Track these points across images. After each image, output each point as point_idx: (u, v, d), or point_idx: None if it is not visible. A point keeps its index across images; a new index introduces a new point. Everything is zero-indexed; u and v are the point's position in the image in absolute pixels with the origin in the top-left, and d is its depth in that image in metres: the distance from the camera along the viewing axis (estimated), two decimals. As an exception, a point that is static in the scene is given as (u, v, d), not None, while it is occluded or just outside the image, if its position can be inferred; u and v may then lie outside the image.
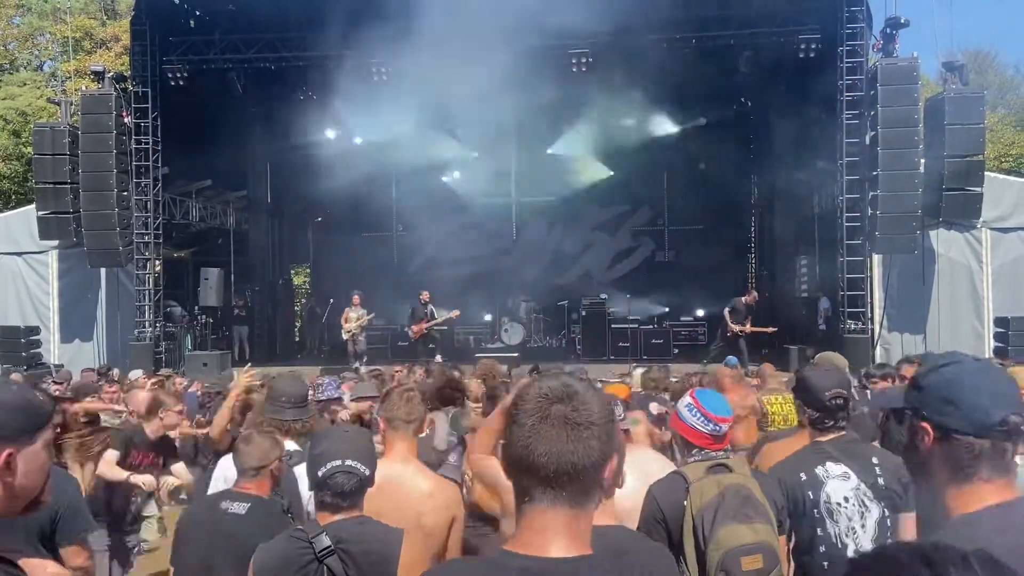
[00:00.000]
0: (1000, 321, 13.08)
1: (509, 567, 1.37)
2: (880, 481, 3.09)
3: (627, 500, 2.53)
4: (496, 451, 3.17)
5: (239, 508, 3.09)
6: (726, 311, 15.03)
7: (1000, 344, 12.73)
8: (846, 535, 3.03)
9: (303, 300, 23.47)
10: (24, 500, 1.62)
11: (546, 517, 1.37)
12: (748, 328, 14.79)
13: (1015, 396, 1.68)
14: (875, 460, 3.17)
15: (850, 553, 3.01)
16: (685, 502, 2.68)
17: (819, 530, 3.05)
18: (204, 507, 3.28)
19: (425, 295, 16.50)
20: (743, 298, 15.26)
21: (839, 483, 3.07)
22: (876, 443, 4.40)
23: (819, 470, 3.09)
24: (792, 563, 3.13)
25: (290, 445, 3.70)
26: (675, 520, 2.69)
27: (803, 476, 3.08)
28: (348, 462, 2.48)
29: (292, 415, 3.79)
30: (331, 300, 18.27)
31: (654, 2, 12.97)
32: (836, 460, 3.11)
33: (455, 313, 16.47)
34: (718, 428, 2.86)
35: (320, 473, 2.50)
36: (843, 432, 3.22)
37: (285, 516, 3.24)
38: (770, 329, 15.35)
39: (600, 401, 1.41)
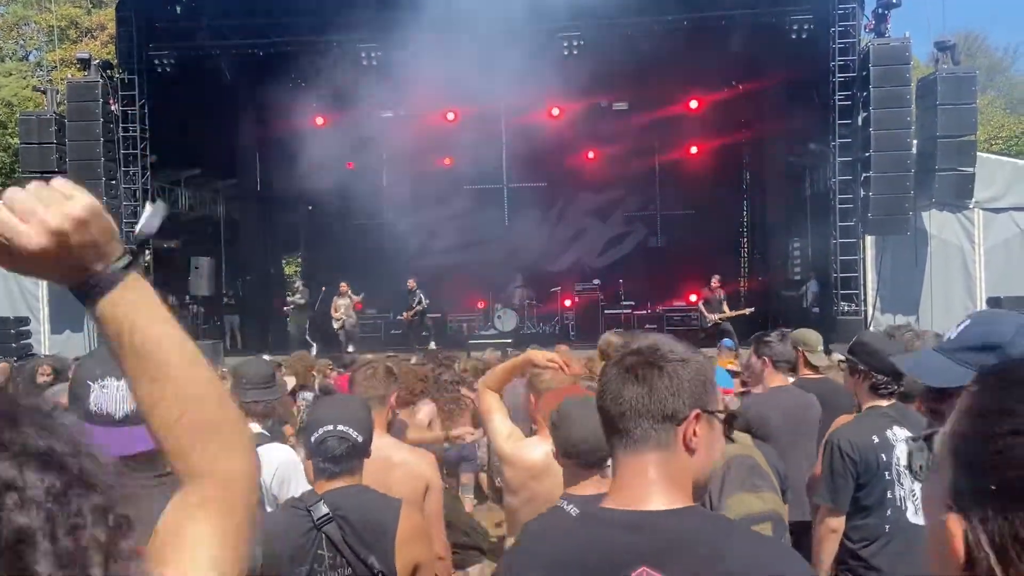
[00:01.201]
0: (992, 301, 13.08)
1: (609, 522, 1.37)
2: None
3: None
4: (490, 389, 3.25)
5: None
6: (701, 304, 15.48)
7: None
8: (909, 498, 3.07)
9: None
10: None
11: (636, 465, 1.39)
12: (727, 313, 14.99)
13: None
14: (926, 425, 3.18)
15: (909, 516, 3.06)
16: None
17: (889, 492, 3.08)
18: None
19: (411, 283, 16.45)
20: (708, 287, 15.44)
21: (905, 447, 3.07)
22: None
23: (888, 433, 3.11)
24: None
25: (252, 427, 3.67)
26: None
27: (875, 439, 3.09)
28: (339, 427, 2.47)
29: (253, 396, 3.76)
30: (323, 288, 18.16)
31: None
32: (900, 424, 3.12)
33: (425, 303, 16.55)
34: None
35: (312, 438, 2.50)
36: (895, 399, 3.24)
37: None
38: (748, 310, 15.53)
39: (684, 354, 1.43)
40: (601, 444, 2.26)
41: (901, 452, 3.07)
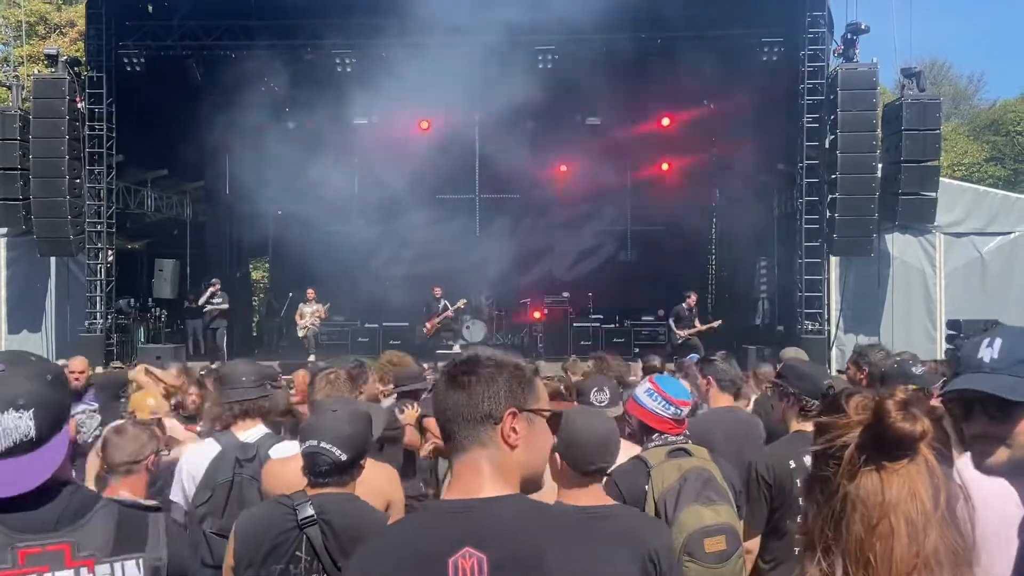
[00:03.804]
0: (952, 324, 13.33)
1: (438, 510, 1.53)
2: None
3: None
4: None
5: None
6: (671, 321, 15.53)
7: (951, 346, 12.99)
8: None
9: (261, 294, 23.10)
10: None
11: (466, 463, 1.53)
12: (697, 328, 15.14)
13: None
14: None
15: None
16: (647, 486, 2.66)
17: (800, 518, 3.03)
18: None
19: (437, 290, 16.48)
20: (683, 304, 15.52)
21: None
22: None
23: (807, 459, 3.07)
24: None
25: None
26: (637, 504, 2.67)
27: (792, 464, 3.07)
28: (323, 444, 2.46)
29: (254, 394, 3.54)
30: (290, 294, 17.97)
31: (620, 1, 12.99)
32: None
33: (462, 302, 16.57)
34: (679, 412, 2.85)
35: (302, 448, 2.52)
36: None
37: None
38: (715, 324, 15.64)
39: (500, 360, 1.58)
40: (595, 456, 2.31)
41: None
